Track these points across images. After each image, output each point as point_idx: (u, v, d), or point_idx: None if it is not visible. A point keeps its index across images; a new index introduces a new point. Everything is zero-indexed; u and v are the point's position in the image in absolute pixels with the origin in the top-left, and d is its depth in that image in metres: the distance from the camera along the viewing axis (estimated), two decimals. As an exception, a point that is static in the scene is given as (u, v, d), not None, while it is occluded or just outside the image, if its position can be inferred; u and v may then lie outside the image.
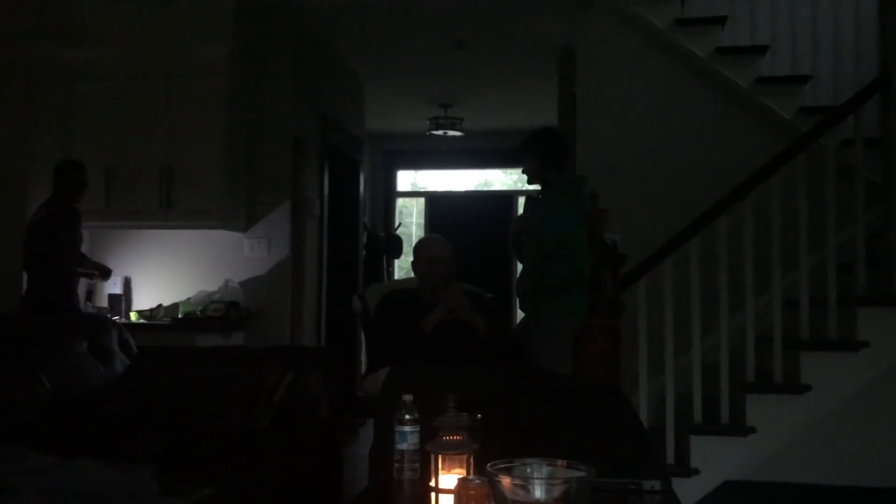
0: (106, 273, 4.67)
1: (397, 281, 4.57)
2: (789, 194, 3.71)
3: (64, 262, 4.33)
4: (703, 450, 3.61)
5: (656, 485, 1.94)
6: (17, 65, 4.65)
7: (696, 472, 3.58)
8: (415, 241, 10.00)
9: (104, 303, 5.03)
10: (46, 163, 4.57)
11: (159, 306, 4.98)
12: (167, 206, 4.76)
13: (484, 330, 3.28)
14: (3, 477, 1.49)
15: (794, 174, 3.71)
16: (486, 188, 10.63)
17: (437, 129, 7.83)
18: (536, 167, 3.53)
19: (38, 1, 4.72)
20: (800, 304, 3.69)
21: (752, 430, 3.60)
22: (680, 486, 3.11)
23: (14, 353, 2.46)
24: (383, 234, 8.88)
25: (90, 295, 4.93)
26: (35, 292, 4.28)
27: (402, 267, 9.46)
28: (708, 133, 4.57)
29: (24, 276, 4.39)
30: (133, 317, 4.87)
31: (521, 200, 9.76)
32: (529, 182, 3.63)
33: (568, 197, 3.40)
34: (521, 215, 3.67)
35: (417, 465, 2.00)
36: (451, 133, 7.86)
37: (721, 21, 4.64)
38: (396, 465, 2.03)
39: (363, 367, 3.93)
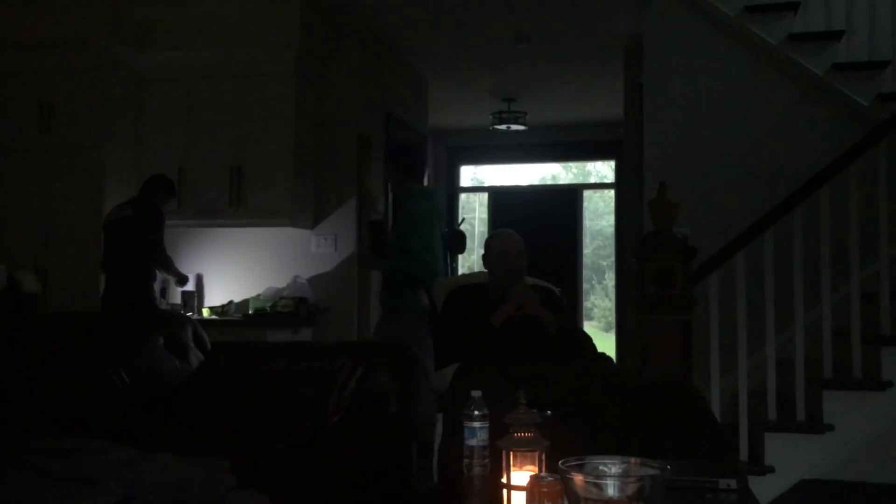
0: (183, 280, 4.80)
1: (465, 275, 4.56)
2: (868, 184, 3.58)
3: (150, 264, 4.43)
4: (777, 448, 3.52)
5: (732, 483, 1.89)
6: (92, 70, 4.81)
7: (771, 470, 3.49)
8: (478, 236, 10.02)
9: (177, 299, 5.17)
10: (120, 163, 4.71)
11: (230, 302, 5.09)
12: (237, 205, 4.86)
13: (553, 326, 3.25)
14: (87, 469, 1.55)
15: (873, 163, 3.58)
16: (550, 182, 10.57)
17: (500, 124, 7.80)
18: (397, 178, 4.13)
19: (112, 8, 4.87)
20: (880, 297, 3.56)
21: (830, 427, 3.50)
22: (754, 484, 3.02)
23: (93, 349, 2.54)
24: (446, 229, 8.89)
25: (163, 292, 5.07)
26: (116, 291, 4.38)
27: (466, 262, 9.47)
28: (781, 123, 4.44)
29: (102, 275, 4.52)
30: (205, 313, 4.99)
31: (586, 195, 9.67)
32: (393, 191, 4.38)
33: (416, 204, 3.99)
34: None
35: (487, 461, 2.01)
36: (515, 127, 7.82)
37: (793, 6, 4.50)
38: (466, 460, 2.03)
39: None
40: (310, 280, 5.13)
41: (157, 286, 4.72)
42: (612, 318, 9.26)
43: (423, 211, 4.04)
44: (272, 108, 4.88)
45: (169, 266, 4.58)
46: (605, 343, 7.94)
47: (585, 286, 10.01)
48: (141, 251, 4.40)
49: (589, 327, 9.77)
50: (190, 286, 5.15)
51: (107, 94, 4.86)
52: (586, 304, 10.34)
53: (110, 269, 4.45)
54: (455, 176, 9.57)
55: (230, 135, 4.93)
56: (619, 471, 1.71)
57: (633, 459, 1.74)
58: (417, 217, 4.01)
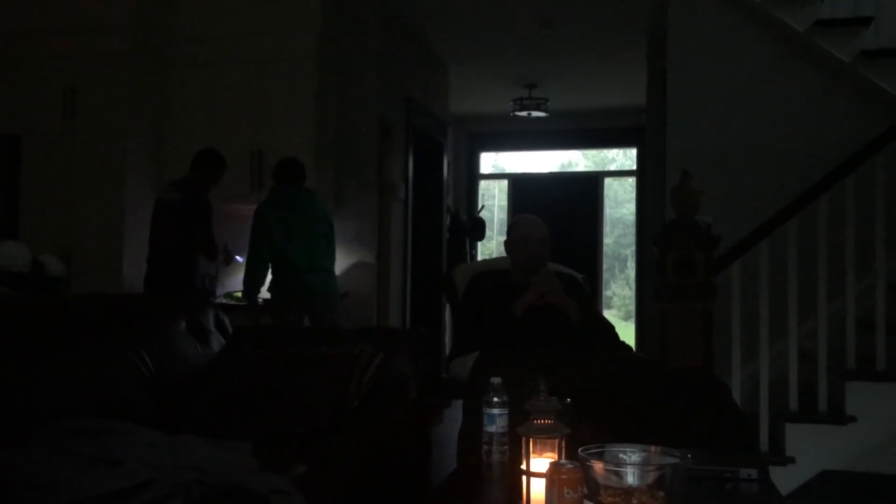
0: (228, 261, 4.80)
1: (487, 261, 4.55)
2: (894, 173, 3.53)
3: (198, 253, 4.42)
4: (799, 438, 3.50)
5: (753, 473, 1.89)
6: (117, 55, 4.84)
7: (792, 460, 3.47)
8: (497, 223, 10.01)
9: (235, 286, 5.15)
10: (143, 148, 4.73)
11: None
12: (258, 190, 4.88)
13: (576, 315, 3.24)
14: (112, 450, 1.57)
15: (900, 152, 3.53)
16: (568, 169, 10.53)
17: (521, 110, 7.77)
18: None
19: (137, -7, 4.90)
20: (905, 288, 3.53)
21: (853, 418, 3.47)
22: (775, 474, 3.01)
23: (116, 332, 2.57)
24: (466, 216, 8.89)
25: (210, 280, 4.83)
26: (157, 274, 4.38)
27: (486, 249, 9.47)
28: (807, 110, 4.38)
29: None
30: (226, 298, 5.02)
31: (606, 182, 9.62)
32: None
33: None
34: None
35: (506, 447, 2.01)
36: (535, 114, 7.79)
37: (821, -8, 4.43)
38: (485, 447, 2.05)
39: (447, 349, 4.01)
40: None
41: (208, 270, 4.67)
42: (632, 307, 9.23)
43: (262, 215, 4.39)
44: (293, 93, 4.89)
45: (216, 256, 4.57)
46: (625, 331, 7.90)
47: (606, 275, 9.99)
48: (183, 240, 4.38)
49: (609, 315, 9.75)
50: (212, 271, 5.16)
51: (131, 79, 4.89)
52: (607, 292, 10.32)
53: (153, 251, 4.44)
54: (475, 163, 9.56)
55: (252, 120, 4.95)
56: (639, 459, 1.72)
57: (653, 448, 1.74)
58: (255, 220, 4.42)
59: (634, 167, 9.05)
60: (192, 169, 4.47)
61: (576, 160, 10.74)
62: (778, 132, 4.40)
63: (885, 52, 4.34)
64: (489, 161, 10.15)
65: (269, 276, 4.51)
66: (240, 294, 5.06)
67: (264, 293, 4.57)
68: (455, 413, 2.92)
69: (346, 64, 5.28)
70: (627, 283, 10.67)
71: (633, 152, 9.17)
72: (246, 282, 4.47)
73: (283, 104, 4.91)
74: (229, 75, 5.01)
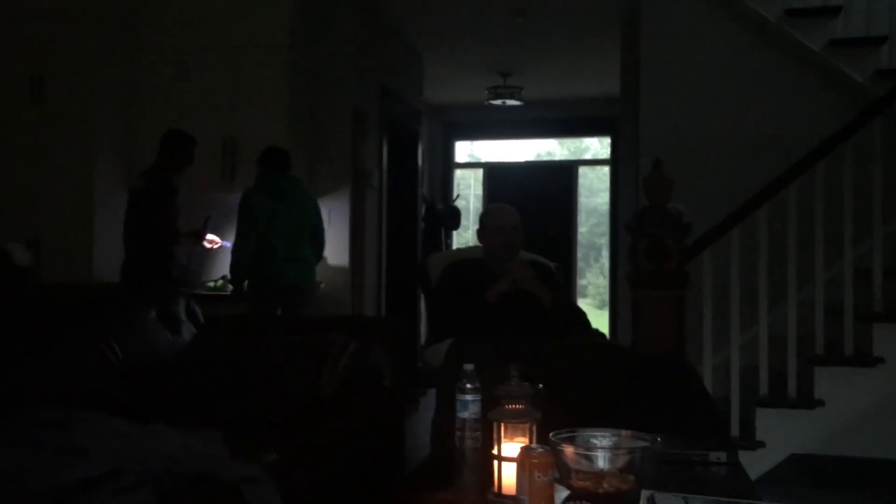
0: (200, 238, 4.70)
1: (460, 250, 4.56)
2: (863, 161, 3.58)
3: (160, 241, 4.36)
4: (769, 423, 3.55)
5: (722, 456, 1.91)
6: (85, 42, 4.76)
7: (762, 444, 3.52)
8: (473, 212, 10.01)
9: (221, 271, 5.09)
10: (112, 135, 4.66)
11: (223, 278, 5.08)
12: (230, 178, 4.83)
13: (549, 302, 3.25)
14: (79, 440, 1.55)
15: (868, 140, 3.57)
16: (545, 159, 10.54)
17: (495, 99, 7.77)
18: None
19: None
20: (873, 275, 3.57)
21: (821, 403, 3.52)
22: (745, 458, 3.05)
23: (84, 321, 2.53)
24: (441, 205, 8.88)
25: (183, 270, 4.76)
26: (131, 264, 4.34)
27: (462, 239, 9.47)
28: (777, 99, 4.42)
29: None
30: (204, 289, 4.98)
31: (582, 171, 9.65)
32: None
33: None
34: None
35: (479, 433, 2.02)
36: (510, 102, 7.79)
37: (791, -18, 4.47)
38: (458, 433, 2.05)
39: (423, 338, 4.01)
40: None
41: (181, 260, 4.61)
42: (607, 296, 9.28)
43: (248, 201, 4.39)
44: (266, 80, 4.85)
45: (178, 240, 4.49)
46: (600, 320, 7.97)
47: (581, 264, 10.04)
48: (154, 231, 4.32)
49: (583, 304, 9.79)
50: (184, 260, 5.12)
51: (100, 66, 4.81)
52: (582, 281, 10.36)
53: (125, 241, 4.40)
54: (450, 151, 9.54)
55: (224, 108, 4.89)
56: (610, 443, 1.73)
57: (623, 432, 1.76)
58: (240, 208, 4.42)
59: (609, 156, 9.09)
60: (160, 153, 4.42)
61: (553, 149, 10.76)
62: (749, 121, 4.44)
63: (852, 41, 4.40)
64: (465, 150, 10.14)
65: None
66: (213, 284, 5.04)
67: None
68: (431, 401, 2.92)
69: (319, 51, 5.24)
70: (602, 273, 10.72)
71: (608, 141, 9.21)
72: (232, 268, 4.44)
73: (256, 92, 4.86)
74: (200, 63, 4.95)
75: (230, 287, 4.63)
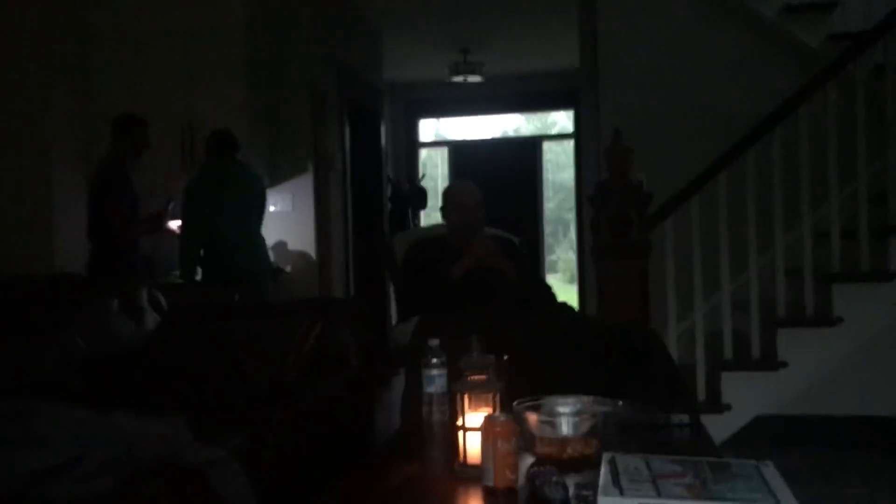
0: (161, 222, 4.61)
1: (425, 228, 4.56)
2: (818, 126, 3.63)
3: (119, 232, 4.28)
4: (734, 386, 3.61)
5: (685, 419, 1.94)
6: (36, 26, 4.65)
7: (728, 407, 3.58)
8: (440, 191, 9.98)
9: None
10: (67, 124, 4.56)
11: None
12: (190, 164, 4.77)
13: (513, 277, 3.27)
14: (38, 430, 1.53)
15: (822, 105, 3.62)
16: (512, 136, 10.54)
17: (456, 76, 7.73)
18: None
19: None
20: (831, 237, 3.64)
21: (784, 364, 3.59)
22: (712, 421, 3.09)
23: (45, 313, 2.50)
24: (407, 185, 8.85)
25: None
26: (94, 257, 4.28)
27: (430, 219, 9.45)
28: (735, 68, 4.45)
29: None
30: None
31: (548, 146, 9.67)
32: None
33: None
34: None
35: (446, 407, 2.03)
36: (471, 79, 7.75)
37: (744, -51, 4.49)
38: (426, 407, 2.07)
39: (393, 320, 4.02)
40: (268, 240, 5.07)
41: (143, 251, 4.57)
42: (576, 271, 9.35)
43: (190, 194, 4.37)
44: (222, 63, 4.76)
45: (134, 228, 4.41)
46: (569, 294, 8.02)
47: (550, 240, 10.08)
48: (108, 221, 4.25)
49: (553, 280, 9.86)
50: (150, 251, 5.05)
51: (51, 52, 4.70)
52: (551, 257, 10.42)
53: (89, 233, 4.34)
54: (414, 130, 9.48)
55: (181, 93, 4.81)
56: (573, 410, 1.75)
57: (586, 398, 1.78)
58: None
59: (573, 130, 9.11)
60: (114, 139, 4.34)
61: (520, 125, 10.77)
62: (708, 90, 4.47)
63: (804, 6, 4.44)
64: (432, 129, 10.10)
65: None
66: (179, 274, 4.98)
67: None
68: (402, 380, 2.93)
69: (277, 32, 5.16)
70: (571, 247, 10.79)
71: (571, 114, 9.22)
72: (180, 262, 4.44)
73: (213, 76, 4.78)
74: (154, 47, 4.85)
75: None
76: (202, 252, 4.40)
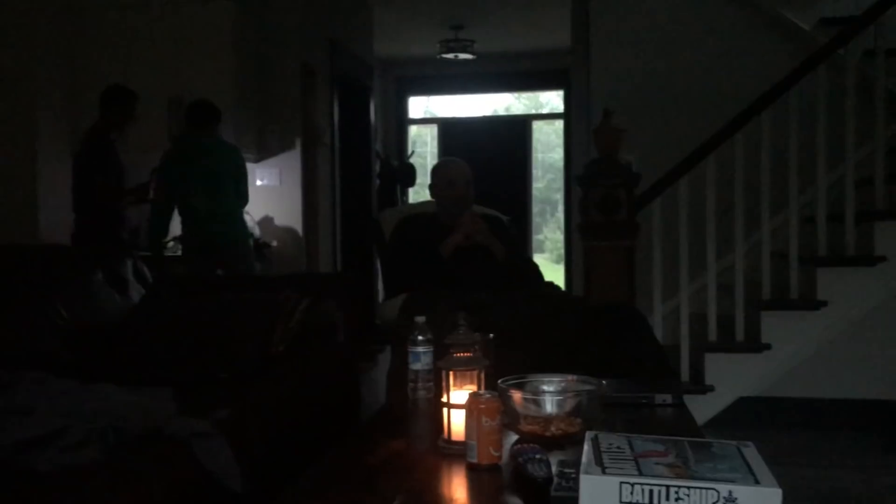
0: (144, 195, 4.61)
1: (413, 205, 4.55)
2: (807, 110, 3.63)
3: (104, 204, 4.29)
4: (717, 367, 3.64)
5: (668, 398, 1.96)
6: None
7: (711, 388, 3.61)
8: (429, 169, 9.95)
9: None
10: (54, 95, 4.51)
11: (175, 239, 5.00)
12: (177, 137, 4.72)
13: (502, 254, 3.27)
14: (22, 400, 1.53)
15: (812, 88, 3.62)
16: (503, 114, 10.49)
17: (447, 53, 7.68)
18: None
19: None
20: (817, 221, 3.66)
21: (767, 346, 3.62)
22: (695, 402, 3.14)
23: (30, 283, 2.49)
24: (396, 162, 8.82)
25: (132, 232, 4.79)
26: (79, 229, 4.27)
27: (419, 196, 9.42)
28: (726, 50, 4.45)
29: None
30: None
31: (537, 126, 9.64)
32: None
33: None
34: None
35: (431, 384, 2.04)
36: (463, 56, 7.71)
37: (738, -69, 4.47)
38: (411, 384, 2.07)
39: (380, 296, 4.02)
40: (255, 214, 5.06)
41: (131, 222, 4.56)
42: (563, 251, 9.37)
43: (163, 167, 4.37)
44: (211, 36, 4.72)
45: (119, 198, 4.40)
46: (556, 274, 8.05)
47: (538, 219, 10.08)
48: (92, 192, 4.23)
49: (540, 259, 9.87)
50: (136, 223, 5.02)
51: (39, 22, 4.63)
52: (538, 236, 10.42)
53: (74, 205, 4.32)
54: (404, 107, 9.43)
55: (170, 66, 4.76)
56: (557, 388, 1.76)
57: (570, 377, 1.79)
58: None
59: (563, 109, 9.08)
60: (101, 111, 4.31)
61: (511, 104, 10.72)
62: (699, 71, 4.47)
63: (799, -12, 4.43)
64: (422, 106, 10.04)
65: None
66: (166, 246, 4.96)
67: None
68: (388, 356, 2.94)
69: (266, 4, 5.12)
70: (559, 227, 10.80)
71: (561, 94, 9.19)
72: (149, 234, 4.48)
73: (202, 49, 4.74)
74: (142, 18, 4.80)
75: (180, 249, 4.59)
76: (182, 228, 4.42)
